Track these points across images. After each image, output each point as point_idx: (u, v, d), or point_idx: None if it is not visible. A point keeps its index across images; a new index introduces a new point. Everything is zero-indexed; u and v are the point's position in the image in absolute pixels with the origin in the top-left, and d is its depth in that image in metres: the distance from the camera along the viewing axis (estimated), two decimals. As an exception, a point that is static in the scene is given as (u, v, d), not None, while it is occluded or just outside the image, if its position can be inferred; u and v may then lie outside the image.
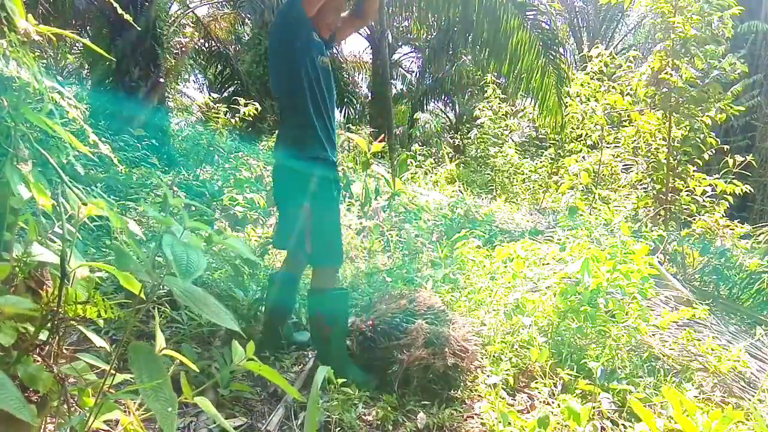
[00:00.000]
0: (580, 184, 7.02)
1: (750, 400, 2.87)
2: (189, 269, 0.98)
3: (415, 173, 8.53)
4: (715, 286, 5.29)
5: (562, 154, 9.44)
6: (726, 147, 6.18)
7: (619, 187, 7.34)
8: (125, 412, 1.16)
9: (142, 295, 1.14)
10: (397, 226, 5.41)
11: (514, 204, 8.49)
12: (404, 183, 6.88)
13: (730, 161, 5.87)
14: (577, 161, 7.33)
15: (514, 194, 9.31)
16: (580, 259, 3.20)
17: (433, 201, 6.57)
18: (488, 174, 10.37)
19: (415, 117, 17.78)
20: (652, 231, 5.00)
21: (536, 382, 2.72)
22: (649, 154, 6.34)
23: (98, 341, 1.19)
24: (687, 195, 5.93)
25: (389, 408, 2.40)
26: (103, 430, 1.22)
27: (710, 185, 5.79)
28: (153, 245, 2.54)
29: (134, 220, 4.35)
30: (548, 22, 9.21)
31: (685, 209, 5.91)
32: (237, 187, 4.95)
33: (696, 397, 2.60)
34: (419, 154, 9.58)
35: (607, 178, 7.60)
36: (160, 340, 1.16)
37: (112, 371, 1.09)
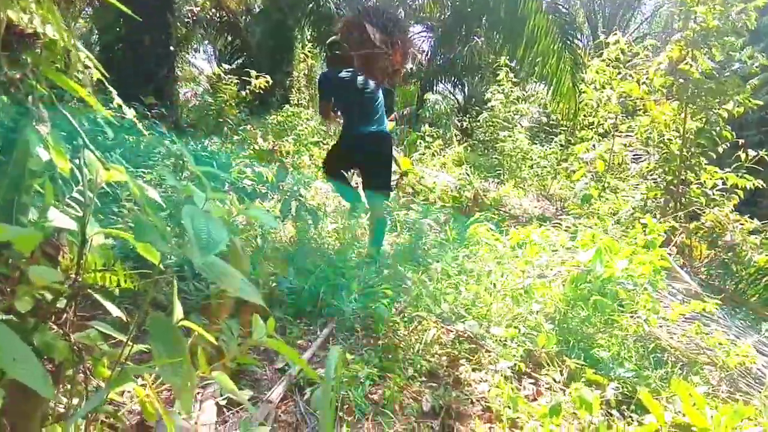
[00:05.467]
0: (590, 172, 6.95)
1: (756, 396, 2.86)
2: (210, 243, 0.94)
3: (424, 154, 8.45)
4: (722, 280, 5.26)
5: (572, 141, 9.32)
6: (741, 141, 6.09)
7: (627, 176, 7.26)
8: (140, 385, 1.14)
9: (160, 265, 1.10)
10: (404, 207, 5.37)
11: (522, 189, 8.42)
12: (413, 163, 6.81)
13: (743, 155, 5.78)
14: (588, 149, 7.23)
15: (521, 179, 9.23)
16: (592, 248, 3.17)
17: (441, 183, 6.52)
18: (496, 158, 10.28)
19: (425, 97, 17.58)
20: (661, 222, 4.95)
21: (543, 369, 2.70)
22: (662, 145, 6.26)
23: (115, 311, 1.17)
24: (697, 188, 5.86)
25: (396, 388, 2.39)
26: (116, 401, 1.20)
27: (721, 179, 5.72)
28: (166, 214, 2.51)
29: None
30: (566, 6, 9.05)
31: (695, 202, 5.85)
32: (252, 159, 4.91)
33: (705, 393, 2.57)
34: (428, 135, 9.47)
35: (616, 167, 7.51)
36: (178, 311, 1.13)
37: (129, 342, 1.06)
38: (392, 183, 5.83)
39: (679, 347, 3.19)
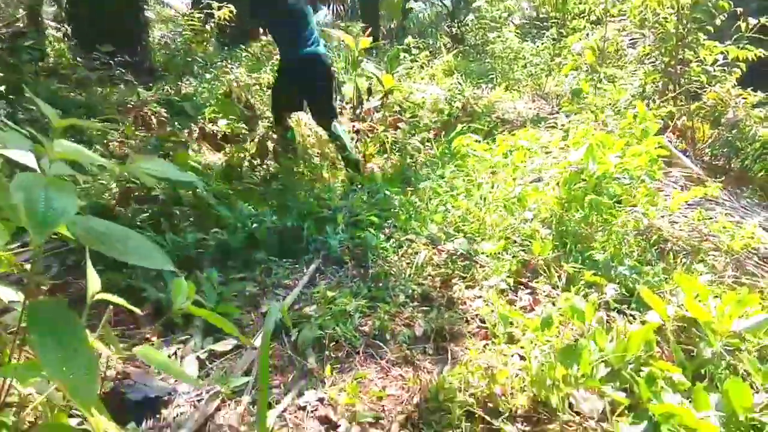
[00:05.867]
0: (584, 63, 6.61)
1: (764, 276, 2.76)
2: (48, 216, 0.80)
3: (410, 68, 8.08)
4: (727, 159, 5.08)
5: (564, 34, 8.85)
6: (739, 10, 5.70)
7: (625, 63, 6.92)
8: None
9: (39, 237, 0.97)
10: (391, 126, 5.15)
11: (516, 91, 8.07)
12: (398, 80, 6.50)
13: (743, 25, 5.42)
14: (580, 39, 6.84)
15: (515, 81, 8.84)
16: (584, 145, 2.99)
17: (430, 96, 6.24)
18: (488, 62, 9.84)
19: (408, 7, 16.78)
20: (660, 107, 4.72)
21: (540, 278, 2.61)
22: (657, 25, 5.90)
23: (8, 296, 1.05)
24: (697, 65, 5.56)
25: (387, 317, 2.31)
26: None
27: (722, 53, 5.40)
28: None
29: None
30: None
31: (695, 81, 5.56)
32: (218, 105, 4.69)
33: (710, 281, 2.47)
34: (414, 47, 9.01)
35: (612, 55, 7.14)
36: (93, 284, 1.02)
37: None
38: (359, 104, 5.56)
39: (681, 236, 3.07)
